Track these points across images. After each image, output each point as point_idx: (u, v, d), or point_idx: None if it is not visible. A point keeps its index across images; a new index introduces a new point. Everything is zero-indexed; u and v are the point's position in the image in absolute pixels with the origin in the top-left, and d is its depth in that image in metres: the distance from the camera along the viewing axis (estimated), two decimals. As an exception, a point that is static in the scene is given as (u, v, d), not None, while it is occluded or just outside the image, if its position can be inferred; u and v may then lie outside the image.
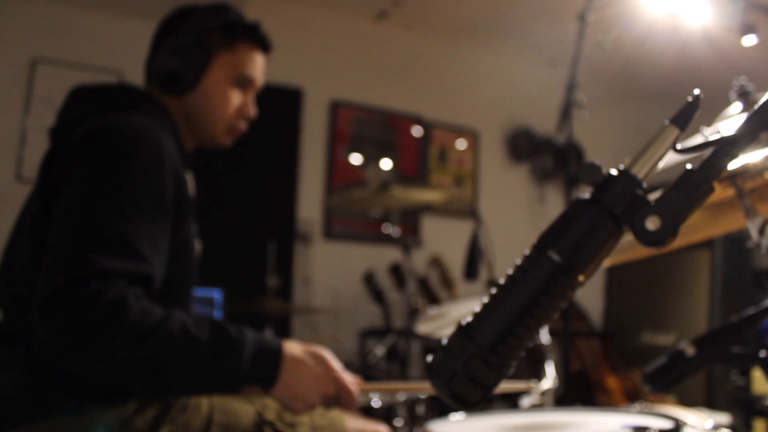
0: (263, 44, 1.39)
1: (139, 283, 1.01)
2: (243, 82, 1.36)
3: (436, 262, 3.85)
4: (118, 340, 0.96)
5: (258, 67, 1.38)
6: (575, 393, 3.36)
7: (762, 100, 0.53)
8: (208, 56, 1.31)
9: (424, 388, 1.36)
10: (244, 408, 1.20)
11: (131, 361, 0.97)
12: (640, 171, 0.52)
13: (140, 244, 1.03)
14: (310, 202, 3.85)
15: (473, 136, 4.47)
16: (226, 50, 1.33)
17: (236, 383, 1.04)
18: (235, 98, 1.36)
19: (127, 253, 1.01)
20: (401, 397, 1.68)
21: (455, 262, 3.41)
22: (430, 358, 0.53)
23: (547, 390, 1.69)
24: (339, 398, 1.11)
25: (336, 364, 1.12)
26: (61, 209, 1.07)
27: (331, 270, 3.84)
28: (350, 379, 1.13)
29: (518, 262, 0.52)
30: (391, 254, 3.67)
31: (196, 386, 1.05)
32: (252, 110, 1.40)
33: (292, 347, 1.09)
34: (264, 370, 1.05)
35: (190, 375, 1.01)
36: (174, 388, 1.06)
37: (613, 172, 0.53)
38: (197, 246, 1.32)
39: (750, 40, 1.54)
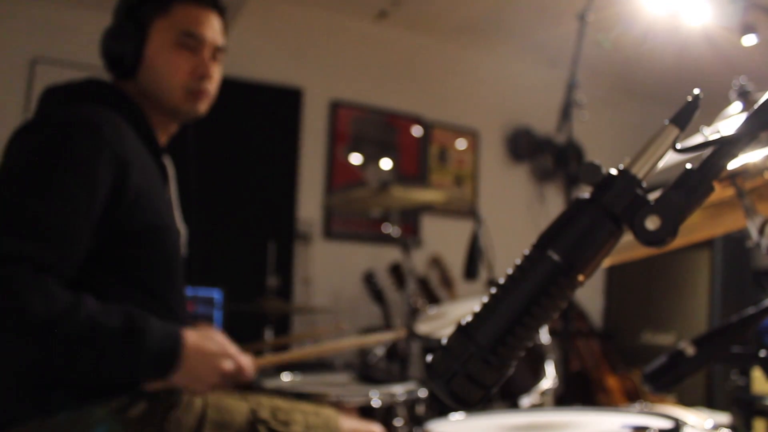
0: None
1: (48, 268, 0.99)
2: (187, 41, 1.29)
3: (436, 262, 3.85)
4: (19, 328, 0.95)
5: (204, 23, 1.31)
6: (575, 393, 3.36)
7: (762, 100, 0.53)
8: (144, 27, 1.28)
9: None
10: (238, 406, 1.20)
11: (35, 347, 0.96)
12: (639, 171, 0.52)
13: (53, 227, 1.01)
14: (310, 202, 3.84)
15: (473, 136, 4.47)
16: (162, 15, 1.29)
17: (143, 370, 1.06)
18: (184, 60, 1.29)
19: (36, 235, 0.99)
20: (401, 397, 1.68)
21: (455, 262, 3.41)
22: (429, 358, 0.53)
23: (547, 390, 1.69)
24: (237, 375, 1.17)
25: (229, 343, 1.18)
26: None
27: (331, 270, 3.84)
28: (245, 357, 1.20)
29: (518, 261, 0.52)
30: (391, 254, 3.67)
31: (103, 372, 1.04)
32: (207, 68, 1.31)
33: (188, 332, 1.12)
34: (168, 355, 1.07)
35: (97, 362, 1.01)
36: (83, 374, 1.04)
37: (613, 171, 0.53)
38: (182, 232, 1.31)
39: (750, 40, 1.54)
